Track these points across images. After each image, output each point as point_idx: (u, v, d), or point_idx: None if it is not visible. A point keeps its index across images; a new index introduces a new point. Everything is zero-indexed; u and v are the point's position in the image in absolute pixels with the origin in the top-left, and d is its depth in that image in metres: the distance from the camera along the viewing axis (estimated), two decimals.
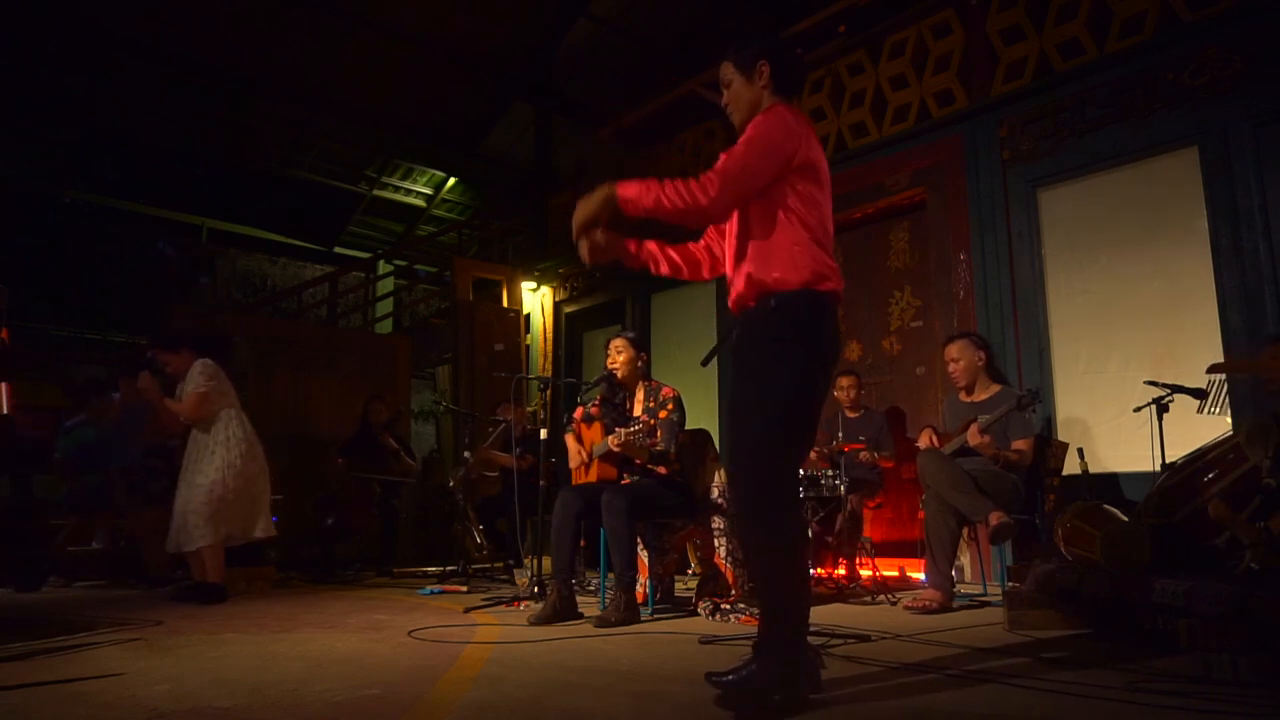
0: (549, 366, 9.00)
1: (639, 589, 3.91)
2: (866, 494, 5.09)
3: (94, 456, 6.09)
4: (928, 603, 3.72)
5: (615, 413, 4.07)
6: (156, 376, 6.14)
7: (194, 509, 4.40)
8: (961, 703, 2.04)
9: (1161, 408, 3.94)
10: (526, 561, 4.93)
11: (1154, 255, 4.77)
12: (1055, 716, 1.92)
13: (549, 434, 4.85)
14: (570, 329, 9.06)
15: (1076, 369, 5.04)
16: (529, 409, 8.08)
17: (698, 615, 3.79)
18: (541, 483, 4.57)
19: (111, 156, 11.39)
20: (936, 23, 5.82)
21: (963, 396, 4.31)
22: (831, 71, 6.47)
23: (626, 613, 3.51)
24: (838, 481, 4.65)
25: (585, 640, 3.10)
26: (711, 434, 4.79)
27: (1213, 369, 3.65)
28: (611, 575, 3.81)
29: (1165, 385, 3.93)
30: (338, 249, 13.49)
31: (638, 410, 4.03)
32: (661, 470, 3.94)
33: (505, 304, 9.10)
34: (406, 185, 12.45)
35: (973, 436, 3.95)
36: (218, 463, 4.46)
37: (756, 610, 3.55)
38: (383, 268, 12.06)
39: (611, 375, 4.09)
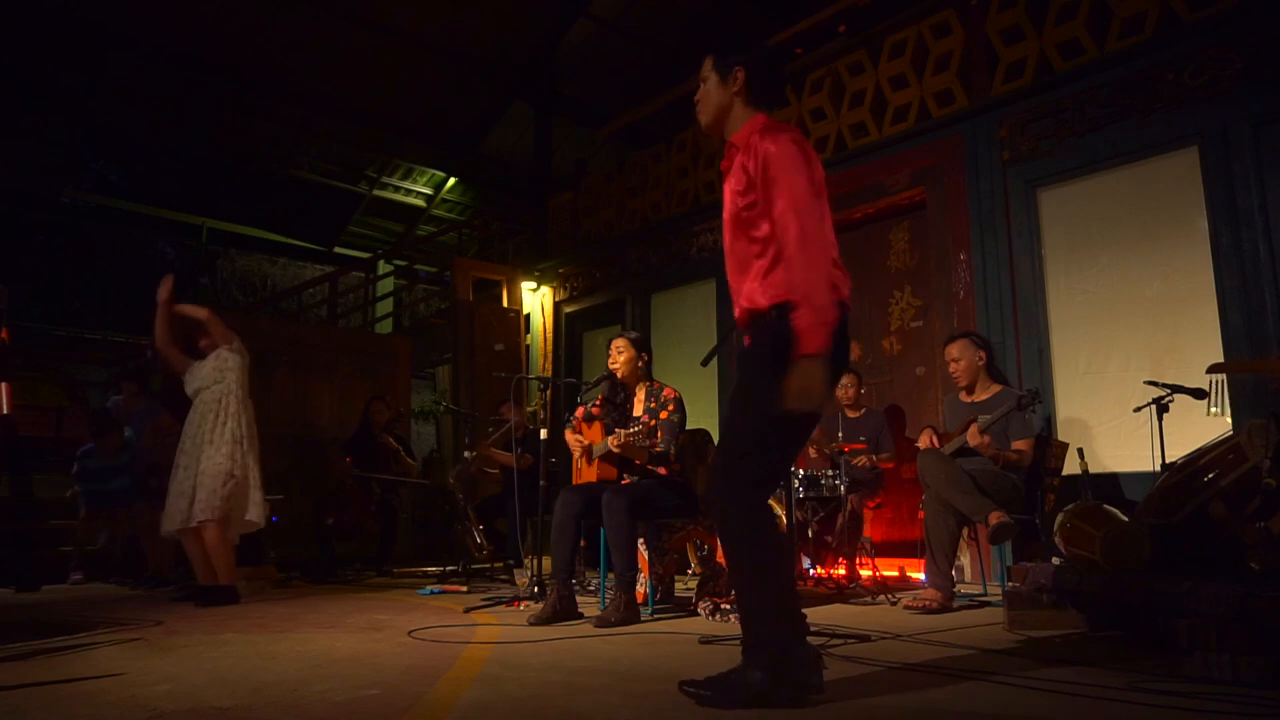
0: (549, 366, 9.00)
1: (639, 589, 3.91)
2: (866, 494, 5.09)
3: (108, 473, 6.14)
4: (928, 602, 3.72)
5: (616, 413, 4.07)
6: (134, 384, 6.18)
7: (203, 484, 4.27)
8: (961, 703, 2.04)
9: (1161, 408, 3.94)
10: (526, 561, 4.93)
11: (1154, 255, 4.77)
12: (1055, 716, 1.92)
13: (549, 434, 4.85)
14: (570, 329, 9.06)
15: (1076, 369, 5.04)
16: (529, 409, 8.08)
17: (698, 615, 3.79)
18: (541, 483, 4.57)
19: (111, 156, 11.40)
20: (936, 23, 5.82)
21: (963, 396, 4.31)
22: (831, 71, 6.47)
23: (626, 613, 3.51)
24: (838, 481, 4.65)
25: (585, 640, 3.10)
26: (711, 434, 4.79)
27: (1213, 369, 3.65)
28: (611, 575, 3.81)
29: (1165, 385, 3.93)
30: (338, 249, 13.50)
31: (638, 410, 4.03)
32: (662, 470, 3.93)
33: (505, 304, 9.10)
34: (406, 185, 12.45)
35: (972, 437, 3.95)
36: (226, 450, 4.34)
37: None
38: (383, 268, 12.07)
39: (613, 375, 4.09)
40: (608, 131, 9.76)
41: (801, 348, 1.99)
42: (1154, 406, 3.95)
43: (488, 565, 5.89)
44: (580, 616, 3.66)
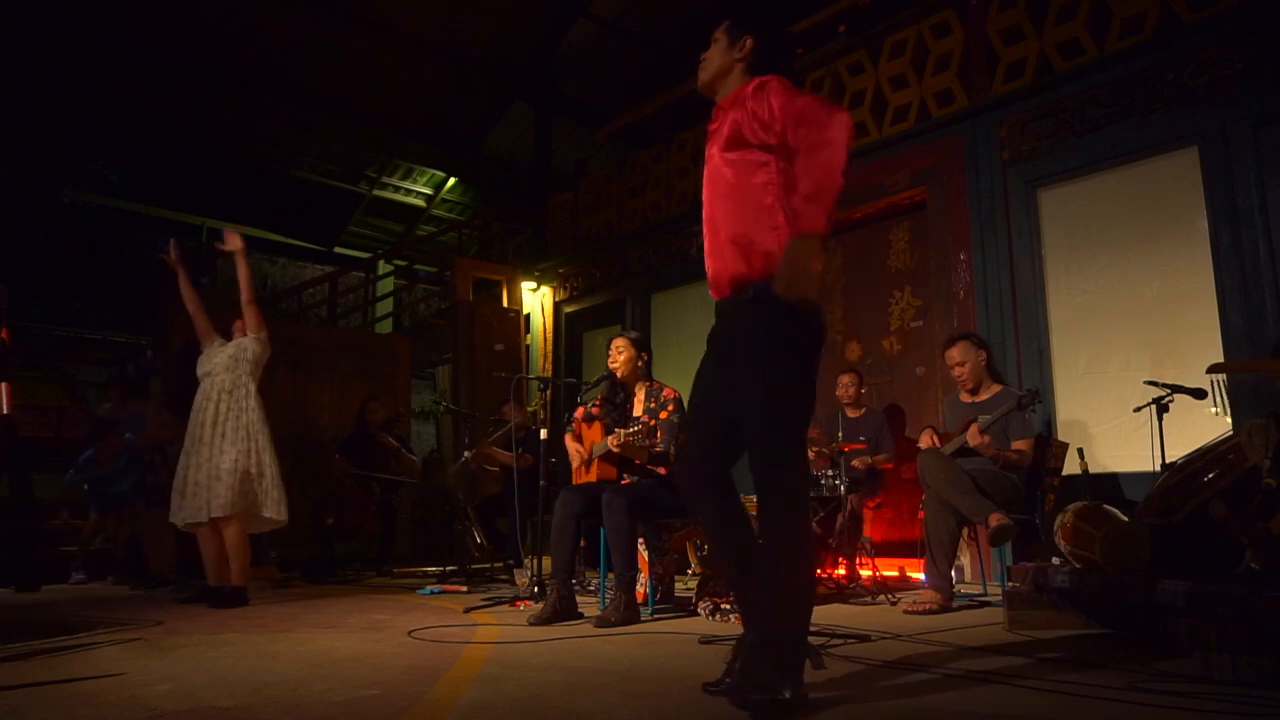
0: (549, 366, 9.00)
1: (639, 589, 3.91)
2: (866, 494, 5.09)
3: (113, 477, 6.16)
4: (927, 605, 3.72)
5: (616, 413, 4.07)
6: (120, 390, 6.18)
7: (220, 479, 4.16)
8: (961, 703, 2.04)
9: (1161, 408, 3.94)
10: (526, 561, 4.94)
11: (1154, 255, 4.77)
12: (1055, 716, 1.92)
13: (549, 434, 4.85)
14: (570, 329, 9.06)
15: (1076, 369, 5.04)
16: (529, 409, 8.08)
17: (698, 615, 3.79)
18: (541, 483, 4.57)
19: (111, 156, 11.40)
20: (936, 23, 5.82)
21: (963, 397, 4.31)
22: (831, 71, 6.47)
23: (626, 613, 3.51)
24: (838, 481, 4.65)
25: (585, 640, 3.10)
26: None
27: (1213, 369, 3.65)
28: (611, 575, 3.81)
29: (1165, 385, 3.93)
30: (338, 249, 13.50)
31: (638, 410, 4.03)
32: (661, 470, 3.93)
33: (505, 304, 9.10)
34: (406, 185, 12.45)
35: (973, 437, 3.95)
36: (242, 446, 4.25)
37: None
38: (383, 268, 12.07)
39: (612, 375, 4.09)
40: (608, 131, 9.76)
41: (804, 222, 1.93)
42: (1154, 406, 3.94)
43: (488, 565, 5.89)
44: (580, 616, 3.66)
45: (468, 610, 4.01)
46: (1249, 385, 4.22)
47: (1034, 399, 3.98)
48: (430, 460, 9.13)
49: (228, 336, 4.61)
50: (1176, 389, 3.88)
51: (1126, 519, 3.02)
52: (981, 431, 3.94)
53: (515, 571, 5.52)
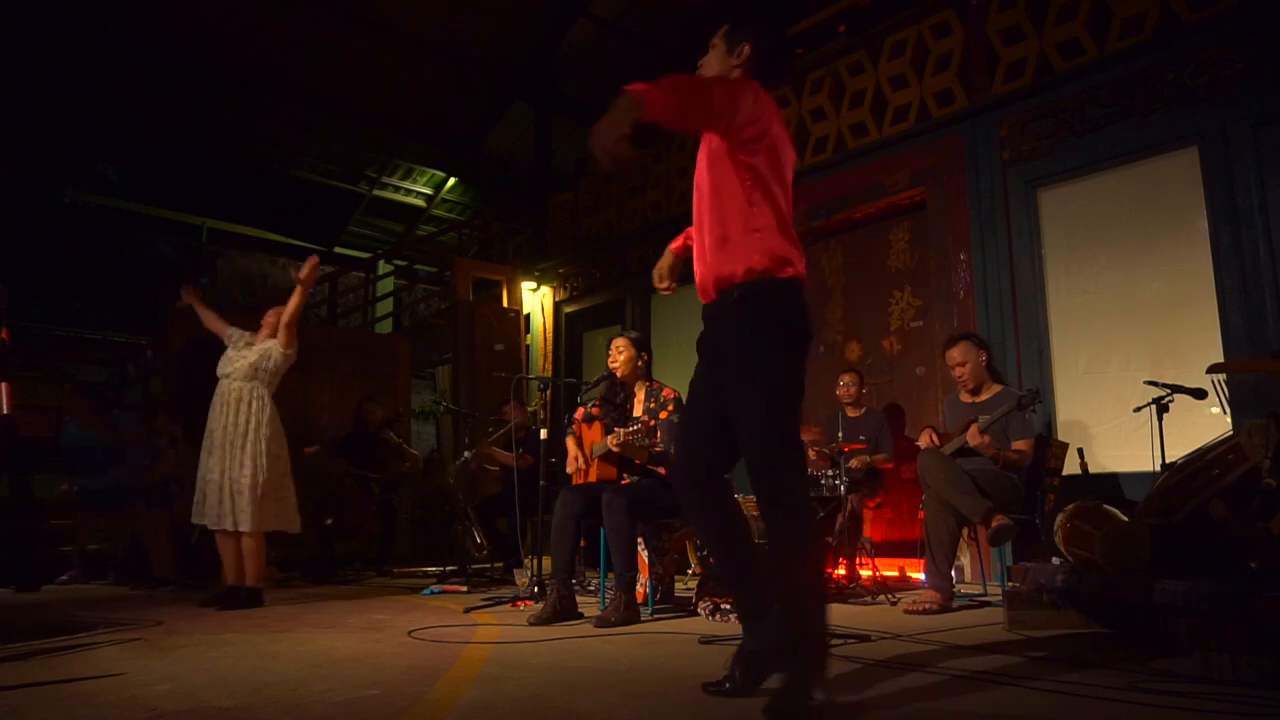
0: (549, 366, 9.00)
1: (639, 589, 3.91)
2: (866, 494, 5.09)
3: (96, 458, 6.12)
4: (927, 605, 3.72)
5: (616, 413, 4.07)
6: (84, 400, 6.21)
7: (241, 493, 4.16)
8: (961, 703, 2.04)
9: (1161, 408, 3.94)
10: (526, 561, 4.93)
11: (1154, 255, 4.77)
12: (1055, 716, 1.92)
13: (549, 434, 4.85)
14: (570, 329, 9.06)
15: (1076, 369, 5.04)
16: (529, 409, 8.08)
17: (698, 615, 3.79)
18: (541, 483, 4.57)
19: (111, 156, 11.40)
20: (936, 23, 5.82)
21: (964, 397, 4.31)
22: (831, 71, 6.47)
23: (626, 613, 3.51)
24: (838, 481, 4.65)
25: (585, 640, 3.10)
26: None
27: (1213, 369, 3.65)
28: (611, 575, 3.81)
29: (1165, 385, 3.93)
30: (338, 249, 13.49)
31: (638, 410, 4.03)
32: (661, 470, 3.93)
33: (505, 304, 9.10)
34: (406, 185, 12.45)
35: (973, 436, 3.95)
36: (260, 461, 4.23)
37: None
38: (383, 268, 12.07)
39: (612, 375, 4.09)
40: None
41: (634, 86, 2.02)
42: (1154, 406, 3.95)
43: (488, 565, 5.89)
44: (580, 616, 3.66)
45: (468, 610, 4.01)
46: (1249, 385, 4.22)
47: (1034, 399, 3.98)
48: (430, 460, 9.13)
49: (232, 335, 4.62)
50: (1176, 389, 3.89)
51: (1126, 519, 3.02)
52: (981, 431, 3.94)
53: (515, 571, 5.51)
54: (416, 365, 9.86)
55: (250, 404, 4.33)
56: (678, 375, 6.14)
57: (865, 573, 4.69)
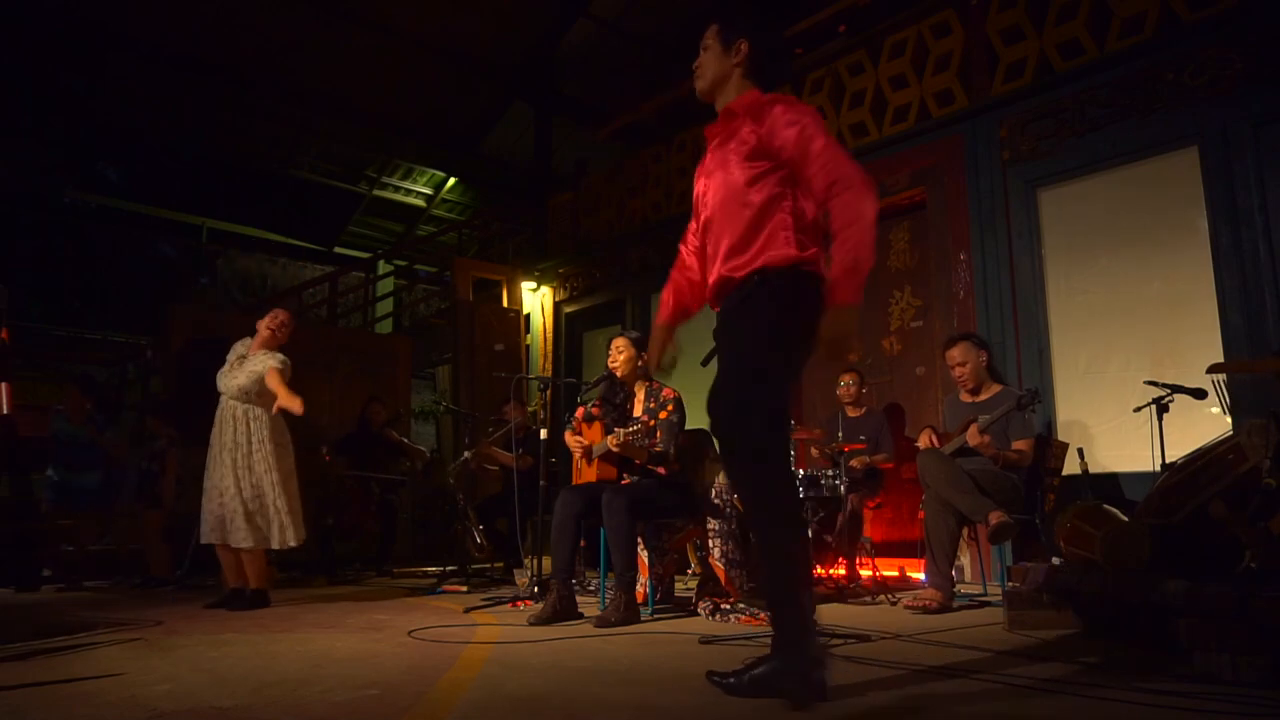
0: (549, 366, 9.00)
1: (639, 589, 3.91)
2: (866, 494, 5.09)
3: (80, 454, 5.99)
4: (927, 603, 3.72)
5: (616, 413, 4.07)
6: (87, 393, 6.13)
7: (238, 511, 4.15)
8: (961, 703, 2.04)
9: (1161, 408, 3.94)
10: (526, 561, 4.93)
11: (1154, 255, 4.78)
12: (1055, 716, 1.92)
13: (549, 434, 4.85)
14: (570, 329, 9.06)
15: (1076, 369, 5.04)
16: (529, 409, 8.08)
17: (698, 615, 3.79)
18: (541, 483, 4.57)
19: (111, 156, 11.40)
20: (936, 23, 5.82)
21: (964, 396, 4.31)
22: (831, 71, 6.47)
23: (626, 613, 3.51)
24: (838, 481, 4.65)
25: (585, 640, 3.10)
26: (711, 435, 4.78)
27: (1213, 369, 3.65)
28: (611, 575, 3.81)
29: (1165, 385, 3.93)
30: (338, 249, 13.50)
31: (638, 410, 4.03)
32: (661, 470, 3.94)
33: (505, 304, 9.10)
34: (406, 185, 12.45)
35: (972, 437, 3.95)
36: (253, 469, 4.22)
37: (757, 610, 3.56)
38: (383, 268, 12.07)
39: (612, 375, 4.09)
40: (608, 131, 9.75)
41: (841, 295, 1.99)
42: (1154, 406, 3.95)
43: (488, 565, 5.89)
44: (580, 616, 3.66)
45: (468, 610, 4.01)
46: (1249, 385, 4.22)
47: (1034, 399, 3.98)
48: (430, 460, 9.13)
49: (232, 335, 4.59)
50: (1176, 389, 3.89)
51: (1126, 519, 3.02)
52: (981, 431, 3.94)
53: (515, 571, 5.51)
54: (416, 365, 9.86)
55: (248, 424, 4.29)
56: (678, 375, 6.15)
57: (865, 573, 4.69)
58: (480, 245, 10.41)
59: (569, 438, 4.25)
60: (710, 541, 4.22)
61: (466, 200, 12.78)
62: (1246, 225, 4.37)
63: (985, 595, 4.28)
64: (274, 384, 4.20)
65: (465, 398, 8.11)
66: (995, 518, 3.71)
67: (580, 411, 4.33)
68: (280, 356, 4.35)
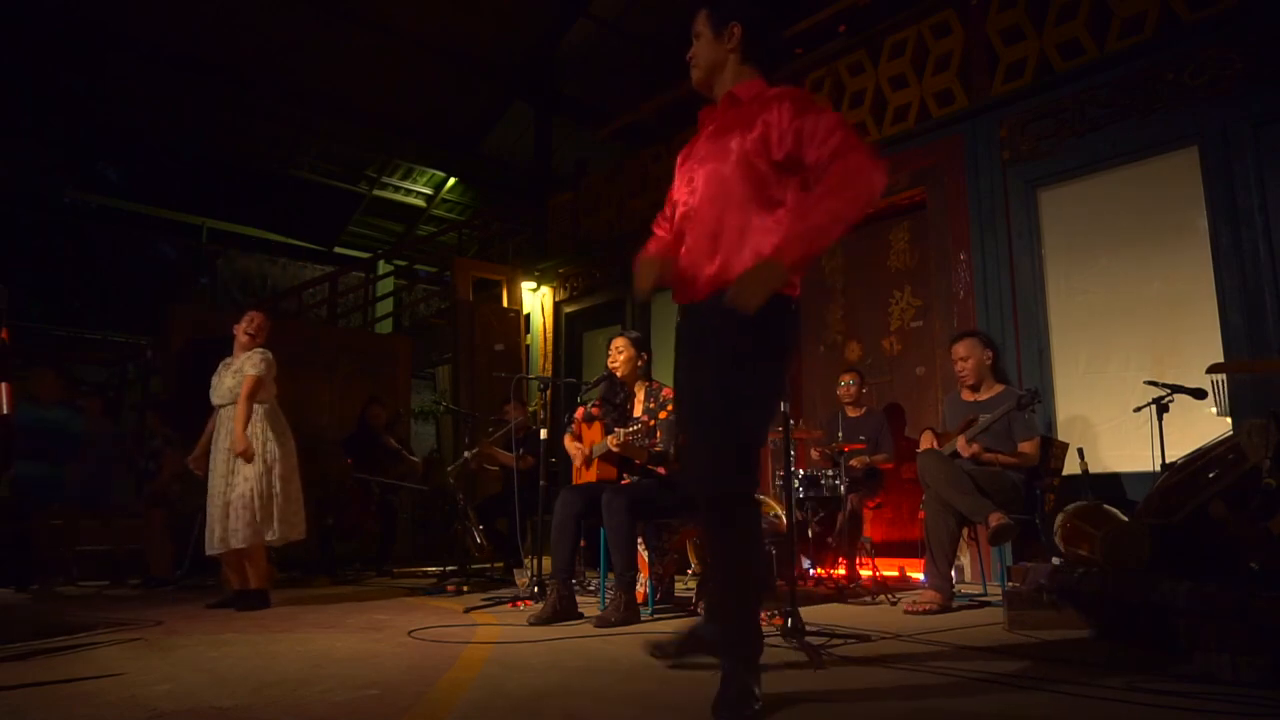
0: (549, 366, 9.00)
1: (639, 589, 3.91)
2: (866, 494, 5.09)
3: (42, 444, 5.59)
4: (927, 605, 3.72)
5: (616, 413, 4.07)
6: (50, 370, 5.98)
7: (234, 513, 4.16)
8: (961, 703, 2.04)
9: (1161, 408, 3.94)
10: (526, 561, 4.93)
11: (1154, 255, 4.77)
12: (1055, 716, 1.92)
13: (549, 434, 4.85)
14: (570, 329, 9.06)
15: (1076, 369, 5.04)
16: (529, 409, 8.08)
17: (698, 615, 3.78)
18: (541, 483, 4.57)
19: (111, 156, 11.40)
20: (936, 23, 5.82)
21: (965, 395, 4.31)
22: (831, 71, 6.47)
23: (626, 613, 3.51)
24: (837, 481, 4.65)
25: (585, 640, 3.10)
26: None
27: (1213, 369, 3.65)
28: (611, 575, 3.81)
29: (1165, 385, 3.93)
30: (338, 249, 13.50)
31: (638, 410, 4.03)
32: (661, 470, 3.94)
33: (505, 304, 9.10)
34: (406, 185, 12.45)
35: (963, 448, 3.95)
36: (259, 467, 4.22)
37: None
38: (383, 268, 12.07)
39: (612, 375, 4.09)
40: (608, 131, 9.75)
41: (790, 254, 1.89)
42: (1154, 406, 3.94)
43: (488, 565, 5.89)
44: (580, 616, 3.66)
45: (468, 610, 4.01)
46: (1249, 385, 4.22)
47: (1034, 399, 3.98)
48: (430, 460, 9.13)
49: (228, 335, 4.59)
50: (1176, 389, 3.89)
51: (1126, 519, 3.02)
52: (971, 440, 3.95)
53: (515, 571, 5.51)
54: (416, 365, 9.86)
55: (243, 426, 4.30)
56: None
57: (865, 573, 4.69)
58: (480, 245, 10.41)
59: (569, 443, 4.25)
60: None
61: (466, 200, 12.77)
62: (1246, 225, 4.37)
63: (985, 595, 4.28)
64: (241, 397, 4.25)
65: (465, 398, 8.11)
66: (995, 519, 3.71)
67: (580, 412, 4.33)
68: (263, 354, 4.41)
